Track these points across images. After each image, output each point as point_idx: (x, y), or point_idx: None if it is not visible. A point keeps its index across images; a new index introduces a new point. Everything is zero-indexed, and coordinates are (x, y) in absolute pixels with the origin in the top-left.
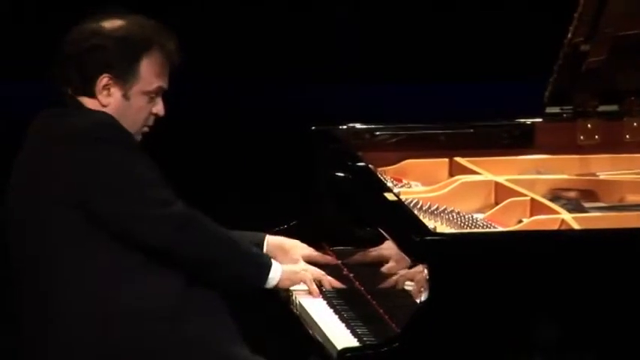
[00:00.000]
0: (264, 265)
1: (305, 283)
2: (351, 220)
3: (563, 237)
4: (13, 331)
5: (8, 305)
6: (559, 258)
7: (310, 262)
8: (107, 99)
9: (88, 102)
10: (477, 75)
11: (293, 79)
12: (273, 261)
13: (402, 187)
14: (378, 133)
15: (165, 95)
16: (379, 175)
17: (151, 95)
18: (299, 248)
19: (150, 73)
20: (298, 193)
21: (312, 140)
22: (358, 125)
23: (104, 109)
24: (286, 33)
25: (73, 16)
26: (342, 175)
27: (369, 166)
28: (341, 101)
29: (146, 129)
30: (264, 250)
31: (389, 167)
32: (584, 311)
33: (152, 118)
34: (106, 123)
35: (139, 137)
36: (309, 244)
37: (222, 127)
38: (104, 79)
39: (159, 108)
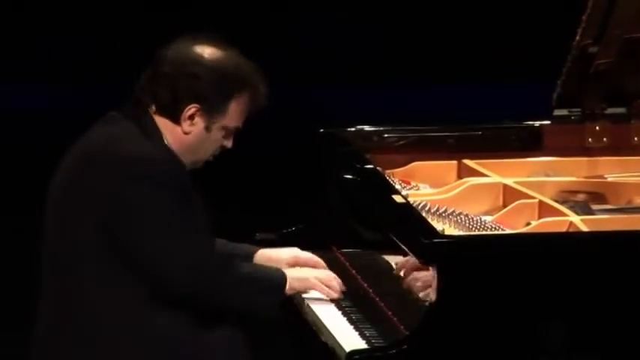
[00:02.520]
0: (277, 288)
1: (317, 290)
2: (360, 222)
3: (571, 239)
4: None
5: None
6: (567, 260)
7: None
8: (190, 127)
9: (166, 124)
10: (484, 77)
11: (296, 81)
12: (281, 274)
13: (410, 189)
14: (386, 135)
15: None
16: (387, 178)
17: (230, 131)
18: (284, 258)
19: (236, 112)
20: (306, 196)
21: (320, 142)
22: (366, 127)
23: (184, 137)
24: (287, 34)
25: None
26: (350, 177)
27: (377, 168)
28: (343, 104)
29: (211, 158)
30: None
31: (397, 169)
32: (592, 313)
33: (219, 150)
34: (160, 160)
35: (200, 165)
36: (318, 247)
37: None
38: (192, 109)
39: (229, 142)
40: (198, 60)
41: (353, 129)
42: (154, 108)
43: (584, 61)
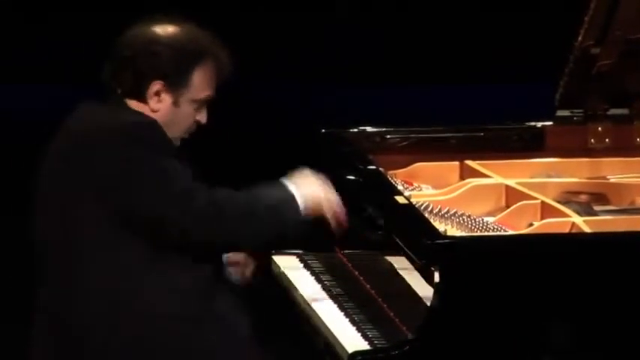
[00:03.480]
0: (291, 205)
1: (327, 214)
2: (362, 223)
3: (573, 240)
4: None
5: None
6: (570, 261)
7: None
8: (157, 104)
9: (136, 105)
10: (487, 77)
11: (295, 80)
12: (293, 190)
13: (412, 190)
14: (388, 136)
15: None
16: (390, 178)
17: (200, 103)
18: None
19: (201, 83)
20: None
21: (322, 143)
22: (369, 128)
23: (153, 114)
24: (289, 35)
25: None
26: (352, 178)
27: (380, 169)
28: (346, 104)
29: (186, 135)
30: None
31: (399, 170)
32: (595, 315)
33: (195, 126)
34: (148, 123)
35: (177, 143)
36: (320, 247)
37: (228, 130)
38: (157, 86)
39: (202, 116)
40: (155, 38)
41: (355, 130)
42: (120, 92)
43: (587, 62)
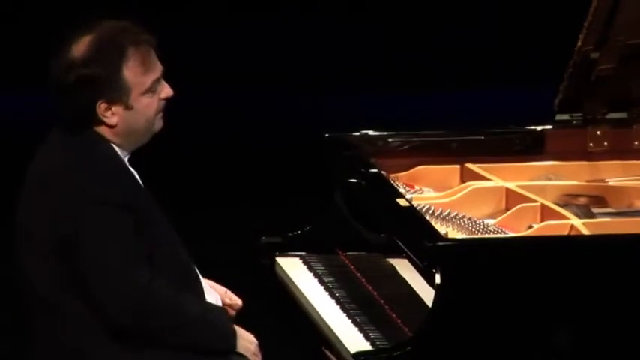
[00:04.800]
0: (226, 340)
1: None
2: (364, 225)
3: (572, 243)
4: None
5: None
6: (569, 263)
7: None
8: (113, 119)
9: (97, 129)
10: (487, 81)
11: (303, 87)
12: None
13: (414, 193)
14: (390, 140)
15: (178, 104)
16: (392, 182)
17: (151, 90)
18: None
19: (137, 75)
20: (312, 200)
21: (326, 147)
22: (371, 132)
23: (115, 129)
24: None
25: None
26: (355, 181)
27: (382, 172)
28: (349, 109)
29: (160, 119)
30: None
31: (401, 173)
32: (594, 316)
33: (162, 103)
34: (102, 180)
35: (159, 125)
36: (323, 250)
37: (234, 137)
38: (102, 106)
39: (166, 92)
40: (72, 62)
41: (358, 134)
42: (76, 122)
43: (586, 67)
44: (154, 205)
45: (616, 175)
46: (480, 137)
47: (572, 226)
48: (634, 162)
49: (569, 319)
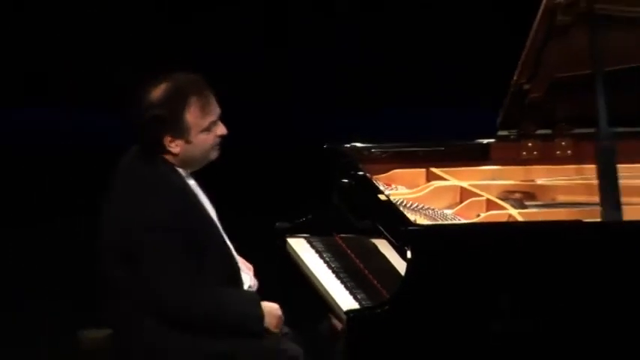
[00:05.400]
0: (254, 330)
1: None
2: (353, 214)
3: (510, 227)
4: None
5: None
6: (507, 243)
7: None
8: (175, 149)
9: (168, 156)
10: (449, 103)
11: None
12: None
13: (391, 190)
14: (373, 150)
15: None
16: (374, 181)
17: (208, 130)
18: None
19: (196, 118)
20: (315, 195)
21: (325, 155)
22: (358, 144)
23: (177, 157)
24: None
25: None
26: (346, 181)
27: (367, 174)
28: (343, 125)
29: (216, 151)
30: None
31: (381, 175)
32: (528, 282)
33: (218, 139)
34: (162, 200)
35: (215, 155)
36: (322, 233)
37: (256, 147)
38: (167, 139)
39: (220, 131)
40: (150, 104)
41: (349, 145)
42: (149, 150)
43: (520, 96)
44: (207, 218)
45: (542, 176)
46: (441, 148)
47: (509, 215)
48: (556, 167)
49: (510, 286)
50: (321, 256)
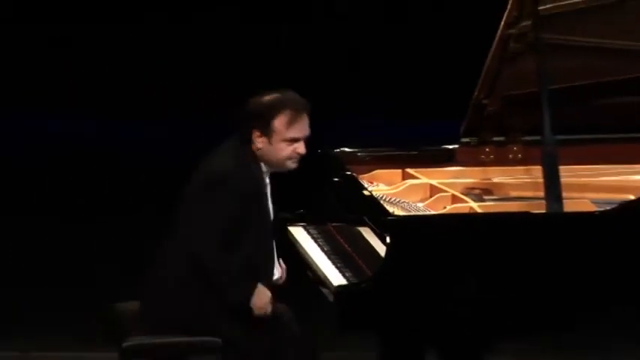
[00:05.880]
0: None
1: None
2: (343, 206)
3: (471, 217)
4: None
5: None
6: (468, 230)
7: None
8: (259, 144)
9: (252, 146)
10: (422, 115)
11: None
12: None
13: (373, 187)
14: (359, 153)
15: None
16: (360, 180)
17: (288, 141)
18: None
19: (281, 126)
20: (311, 191)
21: (319, 158)
22: (347, 149)
23: (258, 151)
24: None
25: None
26: (337, 179)
27: (353, 174)
28: (335, 132)
29: (292, 163)
30: None
31: (365, 175)
32: (484, 262)
33: (296, 155)
34: (234, 173)
35: (292, 166)
36: (316, 222)
37: None
38: (256, 133)
39: (299, 150)
40: (252, 106)
41: (339, 150)
42: (241, 137)
43: (480, 109)
44: (262, 210)
45: (498, 175)
46: (414, 152)
47: (470, 207)
48: (509, 168)
49: (470, 264)
50: (316, 241)
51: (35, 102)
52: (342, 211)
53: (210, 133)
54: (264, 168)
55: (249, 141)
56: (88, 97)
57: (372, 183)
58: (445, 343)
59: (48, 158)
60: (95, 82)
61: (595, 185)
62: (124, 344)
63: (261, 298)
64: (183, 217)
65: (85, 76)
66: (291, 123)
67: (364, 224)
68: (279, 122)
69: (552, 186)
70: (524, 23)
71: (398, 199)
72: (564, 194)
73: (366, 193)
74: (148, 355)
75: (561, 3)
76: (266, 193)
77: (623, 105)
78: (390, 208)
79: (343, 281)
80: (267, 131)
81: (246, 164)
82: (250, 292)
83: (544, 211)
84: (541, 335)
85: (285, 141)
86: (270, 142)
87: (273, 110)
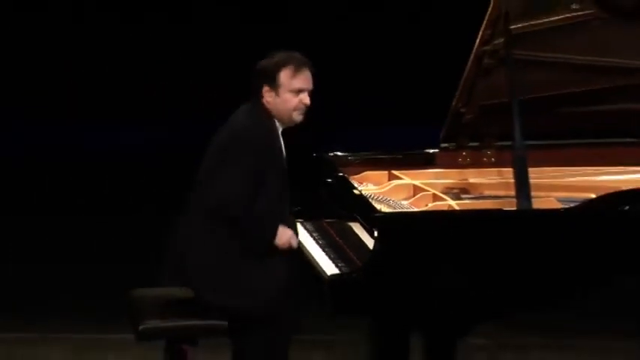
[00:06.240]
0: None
1: (281, 244)
2: (336, 204)
3: (450, 213)
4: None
5: None
6: (448, 224)
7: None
8: (268, 98)
9: (263, 101)
10: (405, 123)
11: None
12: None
13: (362, 187)
14: (350, 157)
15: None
16: (350, 180)
17: (293, 92)
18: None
19: (286, 79)
20: (308, 191)
21: (315, 161)
22: (339, 153)
23: (268, 104)
24: None
25: None
26: (330, 180)
27: (345, 175)
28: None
29: (298, 115)
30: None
31: (355, 175)
32: (461, 253)
33: (301, 106)
34: (252, 130)
35: (299, 118)
36: (312, 218)
37: None
38: (265, 87)
39: (304, 100)
40: (259, 64)
41: (332, 154)
42: (254, 93)
43: (458, 117)
44: (279, 164)
45: (473, 177)
46: (399, 156)
47: (449, 205)
48: (483, 169)
49: (449, 255)
50: (311, 235)
51: (35, 102)
52: (335, 208)
53: (210, 133)
54: (277, 124)
55: (261, 97)
56: (88, 97)
57: (361, 183)
58: (427, 326)
59: (48, 158)
60: (95, 82)
61: (560, 185)
62: (140, 327)
63: (284, 235)
64: (206, 176)
65: (85, 76)
66: (294, 75)
67: (355, 220)
68: (284, 75)
69: (522, 186)
70: (496, 41)
71: (385, 198)
72: (533, 193)
73: (356, 192)
74: (162, 336)
75: (530, 23)
76: (280, 147)
77: (586, 114)
78: (378, 206)
79: (336, 271)
80: (274, 85)
81: (260, 121)
82: (275, 232)
83: (515, 208)
84: (513, 318)
85: (291, 92)
86: (278, 95)
87: (278, 65)
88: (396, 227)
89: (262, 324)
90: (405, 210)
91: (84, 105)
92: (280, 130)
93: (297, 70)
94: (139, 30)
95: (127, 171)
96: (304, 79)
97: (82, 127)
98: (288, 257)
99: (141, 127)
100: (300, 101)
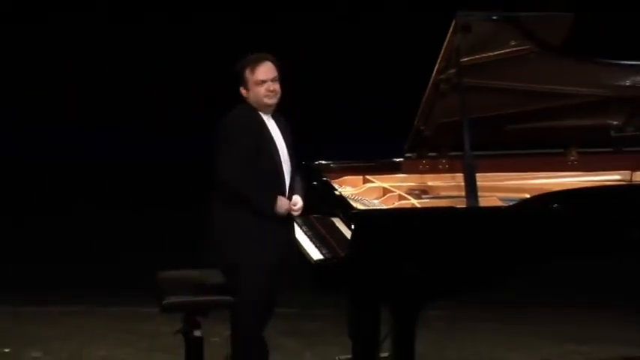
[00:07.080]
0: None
1: (282, 210)
2: (321, 203)
3: (412, 210)
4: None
5: None
6: (410, 219)
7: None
8: (245, 95)
9: (244, 98)
10: (384, 135)
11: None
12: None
13: (342, 188)
14: (332, 165)
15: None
16: (332, 184)
17: (258, 83)
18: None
19: (250, 75)
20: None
21: (303, 169)
22: (323, 161)
23: (247, 99)
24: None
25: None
26: (315, 183)
27: (328, 179)
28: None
29: (269, 99)
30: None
31: (336, 180)
32: (422, 243)
33: (269, 93)
34: (237, 117)
35: (271, 101)
36: (302, 214)
37: None
38: (242, 89)
39: (267, 86)
40: (234, 70)
41: (317, 162)
42: (241, 96)
43: (419, 132)
44: (268, 144)
45: (432, 180)
46: (372, 163)
47: (412, 203)
48: (440, 175)
49: (413, 245)
50: (301, 228)
51: (35, 102)
52: (320, 206)
53: (210, 132)
54: (263, 115)
55: (243, 99)
56: (88, 97)
57: (341, 186)
58: (393, 301)
59: (47, 158)
60: (95, 82)
61: (502, 187)
62: (164, 302)
63: (282, 204)
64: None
65: (85, 76)
66: (253, 71)
67: (336, 216)
68: (247, 73)
69: (471, 188)
70: (450, 71)
71: (360, 197)
72: (479, 194)
73: (337, 193)
74: (180, 310)
75: (478, 56)
76: (268, 132)
77: (522, 130)
78: (355, 204)
79: (320, 256)
80: (244, 83)
81: (244, 111)
82: (274, 199)
83: (465, 206)
84: (466, 295)
85: (257, 84)
86: (249, 90)
87: (242, 68)
88: (369, 222)
89: (258, 282)
90: (377, 207)
91: (84, 105)
92: (268, 118)
93: (254, 66)
94: (138, 30)
95: (127, 171)
96: (263, 71)
97: (82, 127)
98: (289, 226)
99: (140, 127)
100: (266, 89)
